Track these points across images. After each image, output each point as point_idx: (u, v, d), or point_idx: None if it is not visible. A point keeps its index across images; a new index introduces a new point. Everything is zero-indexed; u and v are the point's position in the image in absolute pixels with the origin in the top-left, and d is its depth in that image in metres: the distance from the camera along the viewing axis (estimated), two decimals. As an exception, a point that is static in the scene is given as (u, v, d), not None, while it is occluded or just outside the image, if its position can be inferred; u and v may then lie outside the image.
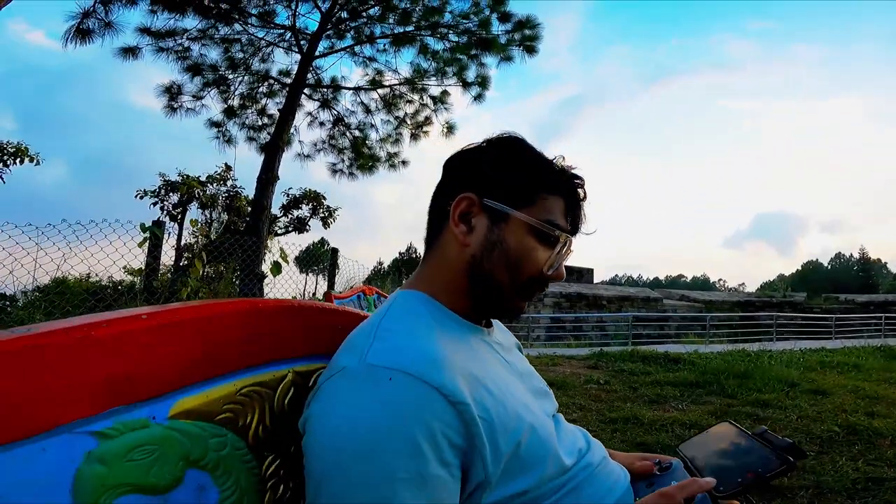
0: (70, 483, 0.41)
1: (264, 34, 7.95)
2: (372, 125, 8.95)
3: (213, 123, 8.42)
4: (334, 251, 6.08)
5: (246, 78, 8.27)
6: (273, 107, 8.63)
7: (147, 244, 3.96)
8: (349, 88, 8.71)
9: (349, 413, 0.51)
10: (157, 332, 0.47)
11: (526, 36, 7.76)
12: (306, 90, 8.14)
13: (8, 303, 5.60)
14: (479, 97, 8.37)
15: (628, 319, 11.76)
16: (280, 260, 4.73)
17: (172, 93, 7.79)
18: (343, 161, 9.18)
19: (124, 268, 4.09)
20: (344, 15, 7.89)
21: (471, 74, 8.25)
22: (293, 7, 7.53)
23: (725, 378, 4.42)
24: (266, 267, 5.28)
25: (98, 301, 4.39)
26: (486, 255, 0.64)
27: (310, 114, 8.87)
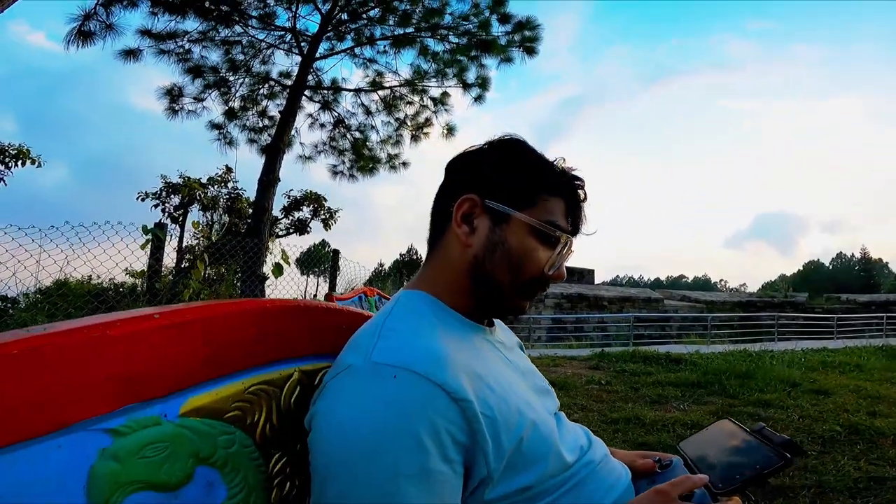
0: (84, 480, 0.41)
1: (265, 36, 7.96)
2: (372, 127, 8.96)
3: (214, 125, 8.42)
4: (335, 253, 6.07)
5: (247, 80, 8.27)
6: (274, 108, 8.64)
7: (149, 246, 3.97)
8: (349, 90, 8.72)
9: (354, 410, 0.52)
10: (169, 332, 0.48)
11: (526, 37, 7.77)
12: (307, 92, 8.15)
13: (9, 305, 5.61)
14: (479, 98, 8.36)
15: (629, 320, 11.75)
16: (281, 261, 4.72)
17: (173, 95, 7.79)
18: (344, 163, 9.18)
19: (126, 270, 4.11)
20: (344, 17, 7.90)
21: (471, 76, 8.26)
22: (293, 9, 7.54)
23: (727, 378, 4.42)
24: (267, 269, 5.29)
25: (101, 303, 4.40)
26: (488, 256, 0.65)
27: (310, 115, 8.88)
